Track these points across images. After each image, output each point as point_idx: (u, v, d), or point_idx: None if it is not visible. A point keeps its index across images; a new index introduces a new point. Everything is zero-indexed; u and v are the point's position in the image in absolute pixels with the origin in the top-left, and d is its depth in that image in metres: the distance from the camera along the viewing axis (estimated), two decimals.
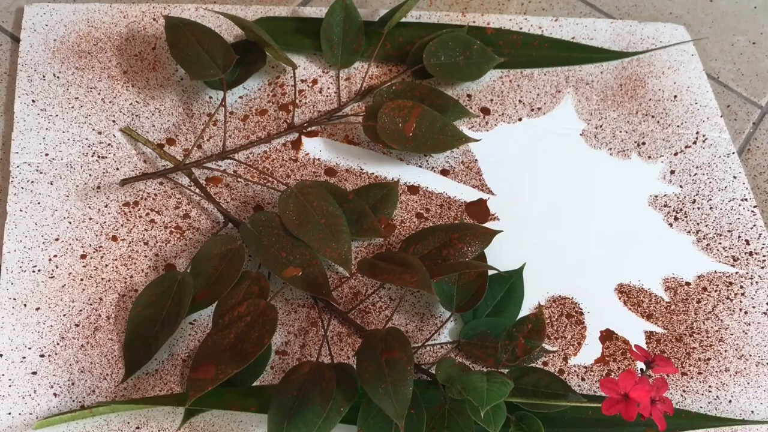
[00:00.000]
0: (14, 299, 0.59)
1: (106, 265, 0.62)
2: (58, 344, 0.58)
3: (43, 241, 0.62)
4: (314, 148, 0.71)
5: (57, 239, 0.62)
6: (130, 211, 0.65)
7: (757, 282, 0.67)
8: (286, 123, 0.71)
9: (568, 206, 0.70)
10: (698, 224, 0.70)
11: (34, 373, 0.57)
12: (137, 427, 0.55)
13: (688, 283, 0.67)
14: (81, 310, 0.59)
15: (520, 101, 0.76)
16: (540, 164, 0.72)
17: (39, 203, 0.64)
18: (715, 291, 0.67)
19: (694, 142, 0.75)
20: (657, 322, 0.64)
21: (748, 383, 0.62)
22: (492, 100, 0.75)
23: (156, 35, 0.75)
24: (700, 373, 0.62)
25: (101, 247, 0.62)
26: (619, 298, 0.66)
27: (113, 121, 0.69)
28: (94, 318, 0.59)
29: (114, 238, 0.63)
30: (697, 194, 0.72)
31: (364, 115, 0.69)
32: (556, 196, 0.71)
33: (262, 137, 0.70)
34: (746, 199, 0.72)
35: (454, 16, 0.80)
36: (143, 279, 0.61)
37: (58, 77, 0.71)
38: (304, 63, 0.76)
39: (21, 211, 0.63)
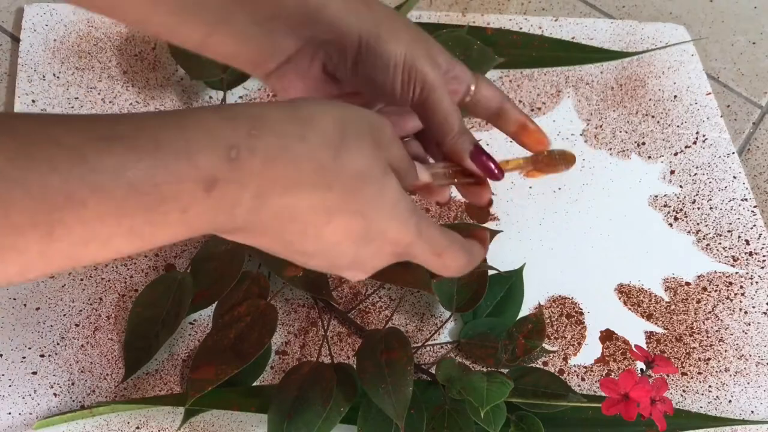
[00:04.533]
0: (14, 299, 0.59)
1: (106, 265, 0.62)
2: (58, 344, 0.58)
3: None
4: None
5: None
6: None
7: (757, 282, 0.67)
8: None
9: (568, 206, 0.70)
10: (698, 224, 0.70)
11: (34, 373, 0.57)
12: (137, 427, 0.55)
13: (688, 283, 0.67)
14: (81, 310, 0.59)
15: (520, 101, 0.76)
16: None
17: None
18: (715, 291, 0.67)
19: (694, 142, 0.75)
20: (657, 322, 0.64)
21: (748, 383, 0.62)
22: None
23: None
24: (700, 373, 0.62)
25: None
26: (619, 298, 0.66)
27: None
28: (94, 318, 0.59)
29: None
30: (697, 194, 0.72)
31: None
32: (556, 197, 0.71)
33: None
34: (746, 199, 0.72)
35: (454, 16, 0.80)
36: (143, 279, 0.61)
37: (58, 77, 0.71)
38: None
39: None
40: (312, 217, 0.35)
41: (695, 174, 0.73)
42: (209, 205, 0.32)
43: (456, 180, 0.44)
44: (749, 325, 0.65)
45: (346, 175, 0.35)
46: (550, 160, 0.46)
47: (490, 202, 0.46)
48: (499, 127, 0.46)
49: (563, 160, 0.47)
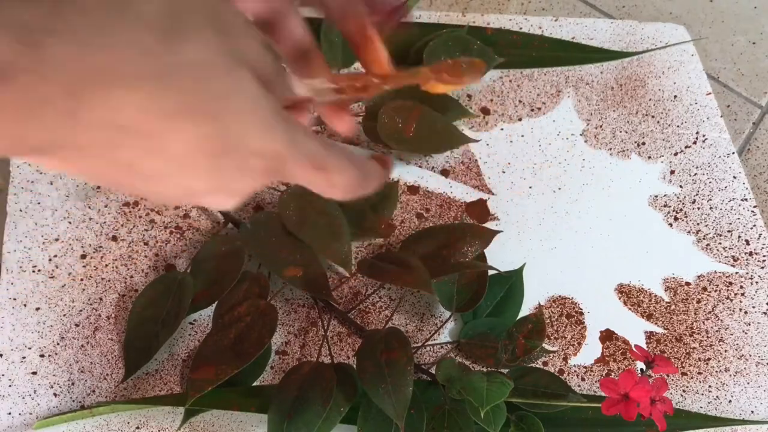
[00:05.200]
0: (14, 299, 0.59)
1: (106, 265, 0.62)
2: (58, 344, 0.58)
3: (43, 241, 0.62)
4: None
5: (57, 239, 0.62)
6: (130, 211, 0.65)
7: (757, 282, 0.67)
8: None
9: (568, 206, 0.70)
10: (698, 224, 0.70)
11: (34, 373, 0.57)
12: (137, 427, 0.55)
13: (688, 283, 0.67)
14: (81, 310, 0.59)
15: (520, 101, 0.76)
16: (540, 164, 0.72)
17: (39, 203, 0.64)
18: (715, 291, 0.67)
19: (694, 142, 0.75)
20: (657, 322, 0.64)
21: (748, 383, 0.62)
22: (492, 100, 0.75)
23: None
24: (700, 373, 0.62)
25: (101, 247, 0.63)
26: (619, 298, 0.66)
27: None
28: (94, 318, 0.59)
29: (114, 238, 0.63)
30: (697, 194, 0.72)
31: (364, 115, 0.69)
32: (556, 196, 0.71)
33: None
34: (746, 199, 0.72)
35: (454, 16, 0.80)
36: (143, 279, 0.61)
37: None
38: None
39: (21, 211, 0.63)
40: (145, 121, 0.27)
41: (695, 174, 0.73)
42: (10, 99, 0.25)
43: (340, 95, 0.39)
44: (749, 325, 0.65)
45: (182, 66, 0.28)
46: (455, 70, 0.40)
47: (352, 127, 0.41)
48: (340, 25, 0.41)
49: (471, 68, 0.39)
